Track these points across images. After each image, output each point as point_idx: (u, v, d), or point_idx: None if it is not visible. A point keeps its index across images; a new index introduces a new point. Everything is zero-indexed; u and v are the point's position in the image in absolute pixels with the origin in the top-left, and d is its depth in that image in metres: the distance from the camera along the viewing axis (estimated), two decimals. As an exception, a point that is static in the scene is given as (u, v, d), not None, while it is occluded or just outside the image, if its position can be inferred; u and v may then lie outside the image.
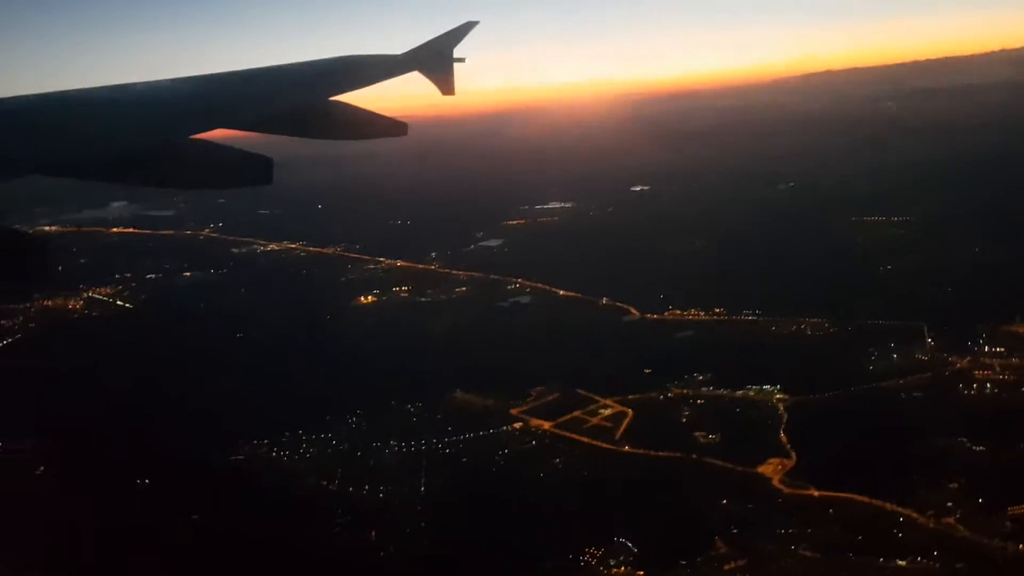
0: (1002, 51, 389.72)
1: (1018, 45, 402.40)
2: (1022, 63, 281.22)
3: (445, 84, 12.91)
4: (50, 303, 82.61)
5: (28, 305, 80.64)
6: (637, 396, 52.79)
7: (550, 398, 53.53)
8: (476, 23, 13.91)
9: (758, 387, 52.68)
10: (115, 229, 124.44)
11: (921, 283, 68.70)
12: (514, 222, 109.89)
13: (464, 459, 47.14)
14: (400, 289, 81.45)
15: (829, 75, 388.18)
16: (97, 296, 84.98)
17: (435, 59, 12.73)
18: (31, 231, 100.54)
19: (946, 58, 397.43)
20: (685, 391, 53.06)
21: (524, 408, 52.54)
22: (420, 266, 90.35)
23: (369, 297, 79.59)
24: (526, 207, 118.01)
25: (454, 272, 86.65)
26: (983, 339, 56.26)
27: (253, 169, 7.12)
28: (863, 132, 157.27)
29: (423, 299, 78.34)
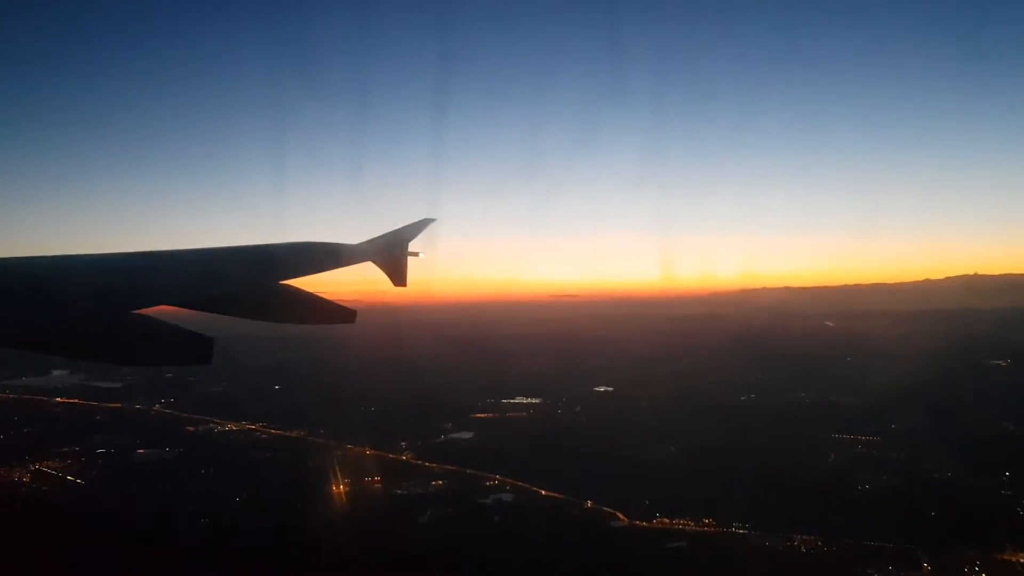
0: (925, 281, 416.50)
1: (942, 276, 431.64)
2: (951, 291, 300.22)
3: (398, 276, 13.22)
4: (-7, 474, 77.62)
5: (-31, 475, 75.66)
6: (640, 611, 50.68)
7: (548, 609, 50.95)
8: (433, 220, 14.85)
9: (763, 606, 51.17)
10: (59, 399, 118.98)
11: (903, 505, 68.80)
12: (482, 415, 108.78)
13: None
14: (373, 479, 78.44)
15: (760, 292, 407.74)
16: (45, 469, 79.88)
17: (390, 251, 13.15)
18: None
19: (875, 284, 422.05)
20: (689, 607, 51.21)
21: (525, 618, 49.79)
22: (391, 456, 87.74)
23: (341, 487, 76.17)
24: (492, 400, 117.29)
25: (427, 464, 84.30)
26: (977, 567, 56.33)
27: (193, 348, 6.93)
28: (813, 349, 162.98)
29: (399, 491, 75.46)
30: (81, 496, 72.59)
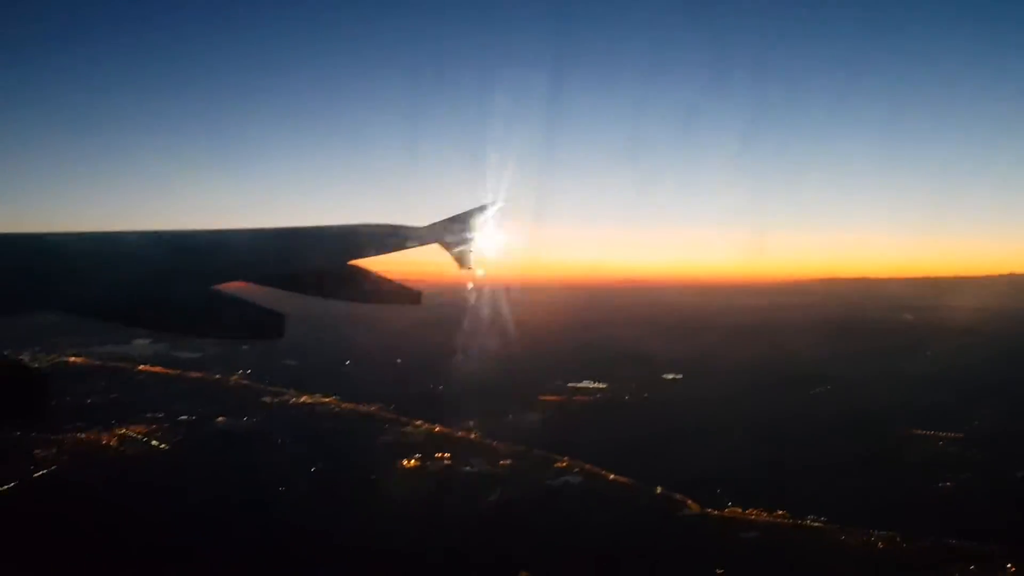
0: (1010, 275, 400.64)
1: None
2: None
3: (463, 259, 13.23)
4: (83, 436, 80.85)
5: (61, 437, 78.88)
6: (713, 599, 50.52)
7: (620, 592, 51.12)
8: (501, 204, 14.67)
9: (840, 600, 50.43)
10: (142, 367, 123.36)
11: (985, 504, 66.92)
12: (549, 397, 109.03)
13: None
14: (443, 456, 79.64)
15: (836, 283, 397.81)
16: (131, 433, 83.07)
17: (455, 234, 13.23)
18: (56, 360, 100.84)
19: (957, 277, 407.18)
20: (763, 598, 50.81)
21: (594, 600, 50.08)
22: (459, 433, 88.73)
23: (412, 461, 77.74)
24: (559, 383, 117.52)
25: (495, 444, 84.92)
26: (1066, 570, 54.57)
27: (266, 323, 7.23)
28: (888, 341, 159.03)
29: (468, 468, 76.42)
30: (166, 461, 75.37)
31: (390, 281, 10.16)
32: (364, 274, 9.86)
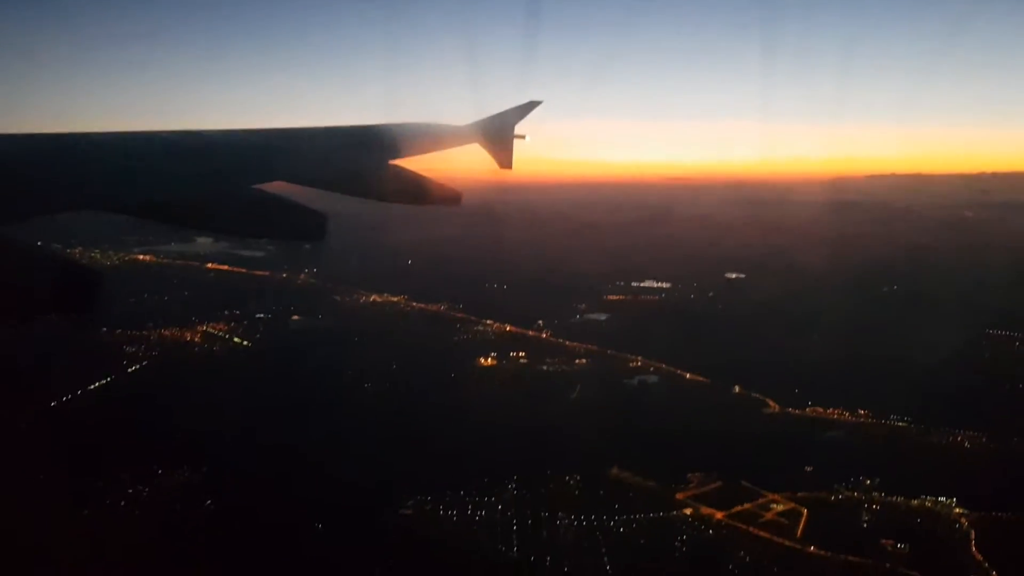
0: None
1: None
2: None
3: (503, 158, 13.28)
4: (168, 333, 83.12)
5: (147, 333, 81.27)
6: (806, 494, 51.31)
7: (713, 486, 52.09)
8: (539, 102, 14.62)
9: (933, 498, 50.89)
10: (210, 265, 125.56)
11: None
12: (615, 297, 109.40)
13: (642, 541, 45.80)
14: (518, 354, 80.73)
15: (887, 179, 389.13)
16: (212, 331, 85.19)
17: (497, 134, 13.21)
18: (125, 257, 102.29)
19: (1010, 173, 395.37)
20: (855, 494, 51.46)
21: (689, 494, 51.18)
22: (531, 333, 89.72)
23: (489, 359, 78.99)
24: (622, 283, 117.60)
25: (567, 343, 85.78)
26: None
27: (309, 225, 7.27)
28: (949, 240, 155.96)
29: (544, 367, 77.55)
30: (251, 357, 77.43)
31: (431, 181, 9.97)
32: (404, 174, 9.73)
